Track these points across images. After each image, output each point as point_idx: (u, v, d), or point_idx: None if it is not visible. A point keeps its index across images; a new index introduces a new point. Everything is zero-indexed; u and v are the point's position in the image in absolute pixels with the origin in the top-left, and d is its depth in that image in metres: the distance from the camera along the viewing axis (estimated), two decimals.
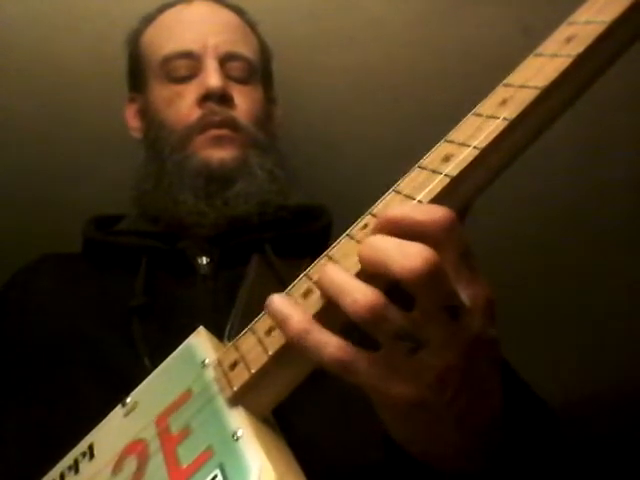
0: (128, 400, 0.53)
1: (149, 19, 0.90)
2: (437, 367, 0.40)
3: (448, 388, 0.41)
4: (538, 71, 0.44)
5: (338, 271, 0.41)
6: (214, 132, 0.80)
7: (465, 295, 0.41)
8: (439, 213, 0.40)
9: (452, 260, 0.40)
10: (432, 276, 0.38)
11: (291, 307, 0.43)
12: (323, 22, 1.04)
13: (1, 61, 1.00)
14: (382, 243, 0.40)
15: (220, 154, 0.79)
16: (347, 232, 0.46)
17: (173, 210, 0.80)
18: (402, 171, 0.46)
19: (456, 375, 0.41)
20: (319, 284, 0.42)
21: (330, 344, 0.40)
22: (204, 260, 0.77)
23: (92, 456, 0.51)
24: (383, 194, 0.46)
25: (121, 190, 0.87)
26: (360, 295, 0.39)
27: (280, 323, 0.42)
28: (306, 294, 0.44)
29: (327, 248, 0.84)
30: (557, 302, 1.14)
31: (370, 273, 0.41)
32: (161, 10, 0.89)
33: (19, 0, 0.99)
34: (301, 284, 0.45)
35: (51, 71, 1.01)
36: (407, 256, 0.38)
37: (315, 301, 0.43)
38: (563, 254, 1.12)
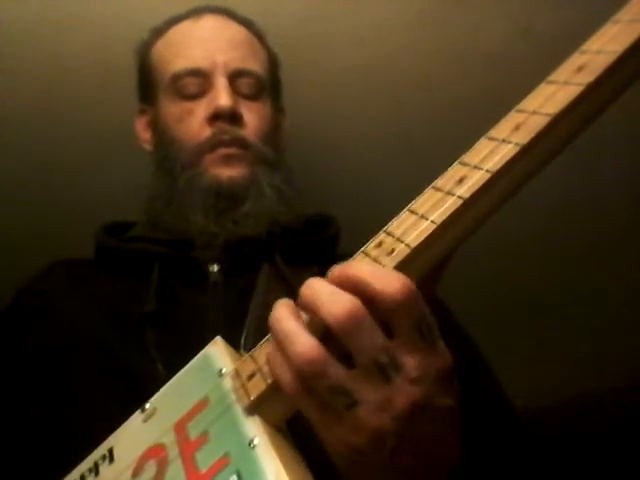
0: (147, 406, 0.54)
1: (159, 32, 0.89)
2: (371, 426, 0.42)
3: (385, 446, 0.42)
4: (550, 98, 0.45)
5: (287, 318, 0.43)
6: (224, 151, 0.81)
7: (414, 363, 0.42)
8: (396, 285, 0.41)
9: (403, 331, 0.42)
10: (354, 326, 0.40)
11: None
12: (325, 24, 1.04)
13: (2, 61, 1.00)
14: (318, 286, 0.43)
15: (229, 172, 0.80)
16: (362, 249, 0.47)
17: (184, 229, 0.81)
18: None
19: (392, 436, 0.42)
20: (270, 325, 0.44)
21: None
22: (215, 267, 0.78)
23: (112, 460, 0.52)
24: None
25: (123, 191, 0.88)
26: (301, 347, 0.41)
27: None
28: None
29: (334, 256, 0.85)
30: (556, 305, 1.15)
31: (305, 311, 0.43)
32: (170, 24, 0.89)
33: (20, 0, 0.99)
34: None
35: (53, 71, 1.02)
36: (335, 302, 0.41)
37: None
38: (561, 257, 1.13)
